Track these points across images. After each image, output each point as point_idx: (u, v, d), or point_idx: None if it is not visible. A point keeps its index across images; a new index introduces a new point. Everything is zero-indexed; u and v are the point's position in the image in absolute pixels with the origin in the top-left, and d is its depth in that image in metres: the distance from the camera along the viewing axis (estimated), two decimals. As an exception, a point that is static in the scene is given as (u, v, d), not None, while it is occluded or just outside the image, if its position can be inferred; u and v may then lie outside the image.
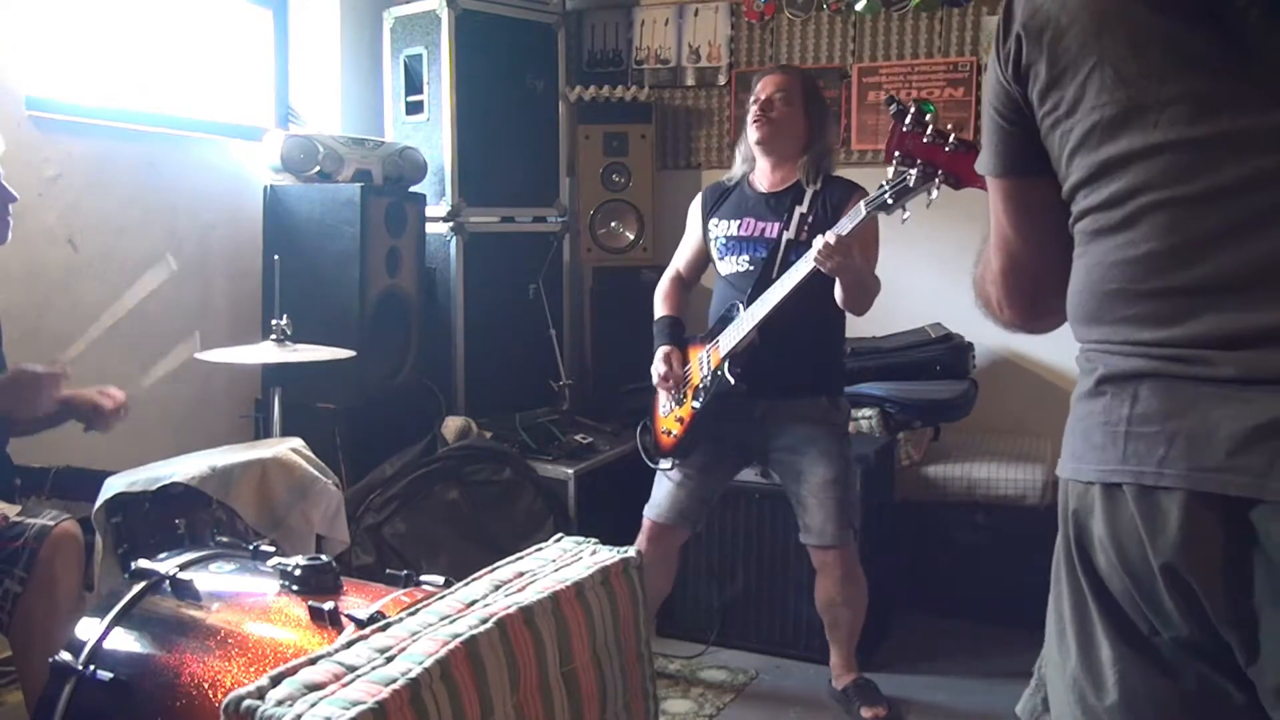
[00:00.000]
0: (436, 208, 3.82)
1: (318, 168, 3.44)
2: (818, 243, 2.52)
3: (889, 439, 3.48)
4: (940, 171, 2.25)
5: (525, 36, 4.00)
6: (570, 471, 3.52)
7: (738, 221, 2.86)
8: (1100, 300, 1.08)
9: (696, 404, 2.81)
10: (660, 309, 3.02)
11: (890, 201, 2.42)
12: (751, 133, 2.82)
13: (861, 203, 2.49)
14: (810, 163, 2.82)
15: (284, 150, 3.42)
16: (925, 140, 2.17)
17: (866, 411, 3.54)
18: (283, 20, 3.98)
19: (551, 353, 4.02)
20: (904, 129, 2.15)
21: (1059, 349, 3.82)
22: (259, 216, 3.53)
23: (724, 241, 2.87)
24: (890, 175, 2.43)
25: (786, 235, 2.75)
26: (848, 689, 2.93)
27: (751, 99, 2.85)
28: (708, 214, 2.95)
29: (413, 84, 3.92)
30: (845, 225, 2.51)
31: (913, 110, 2.13)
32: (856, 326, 3.91)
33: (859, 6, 4.02)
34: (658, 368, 2.90)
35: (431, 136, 3.85)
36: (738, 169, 2.94)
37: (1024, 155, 1.16)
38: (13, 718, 2.65)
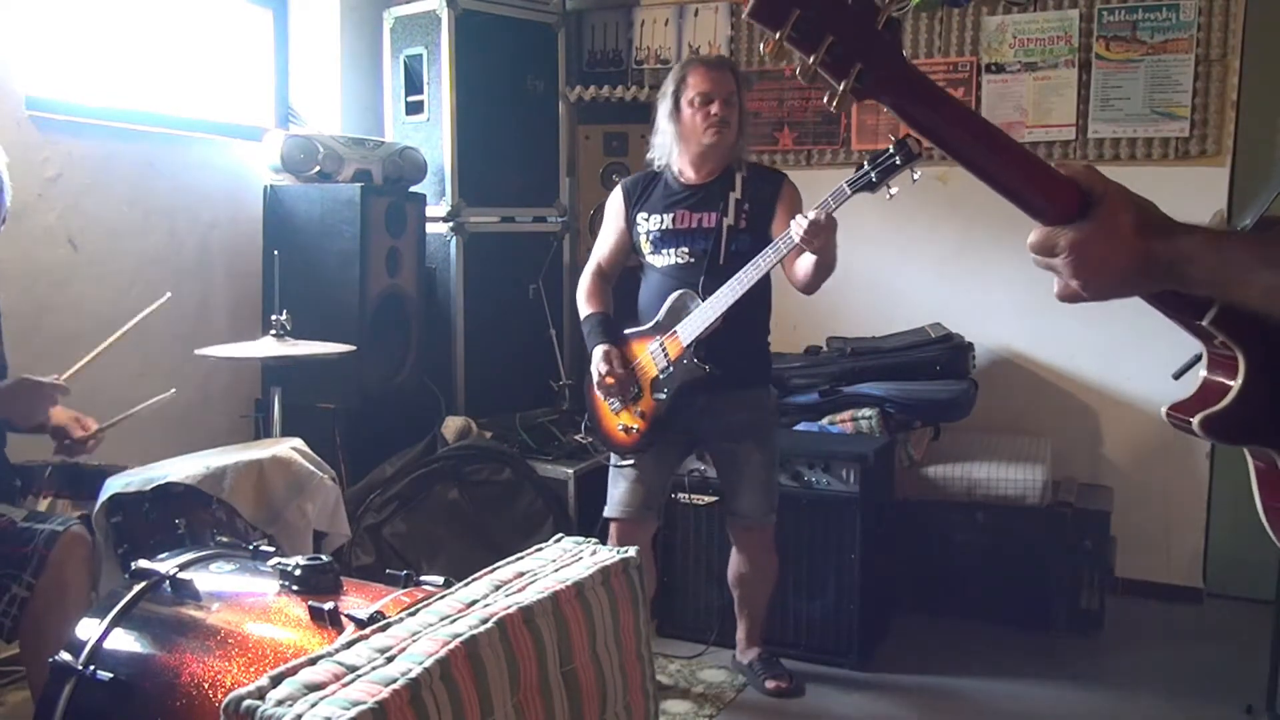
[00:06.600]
0: (436, 208, 3.82)
1: (318, 168, 3.44)
2: (799, 224, 2.51)
3: (889, 439, 3.47)
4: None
5: (525, 36, 4.00)
6: (570, 471, 3.52)
7: (670, 215, 2.85)
8: None
9: (660, 396, 2.80)
10: (587, 306, 2.96)
11: (874, 180, 2.46)
12: (707, 137, 2.78)
13: (844, 183, 2.51)
14: (740, 151, 2.86)
15: (284, 150, 3.42)
16: None
17: (866, 411, 3.54)
18: (283, 20, 3.98)
19: (551, 353, 4.02)
20: None
21: (1059, 349, 3.86)
22: (259, 216, 3.53)
23: (657, 235, 2.86)
24: (870, 155, 2.48)
25: (727, 222, 2.79)
26: (753, 662, 3.08)
27: (697, 96, 2.78)
28: (632, 207, 2.93)
29: (413, 84, 3.92)
30: (831, 204, 2.52)
31: None
32: (857, 327, 3.93)
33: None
34: (599, 367, 2.83)
35: (431, 136, 3.85)
36: (662, 159, 2.89)
37: None
38: (15, 717, 2.65)
